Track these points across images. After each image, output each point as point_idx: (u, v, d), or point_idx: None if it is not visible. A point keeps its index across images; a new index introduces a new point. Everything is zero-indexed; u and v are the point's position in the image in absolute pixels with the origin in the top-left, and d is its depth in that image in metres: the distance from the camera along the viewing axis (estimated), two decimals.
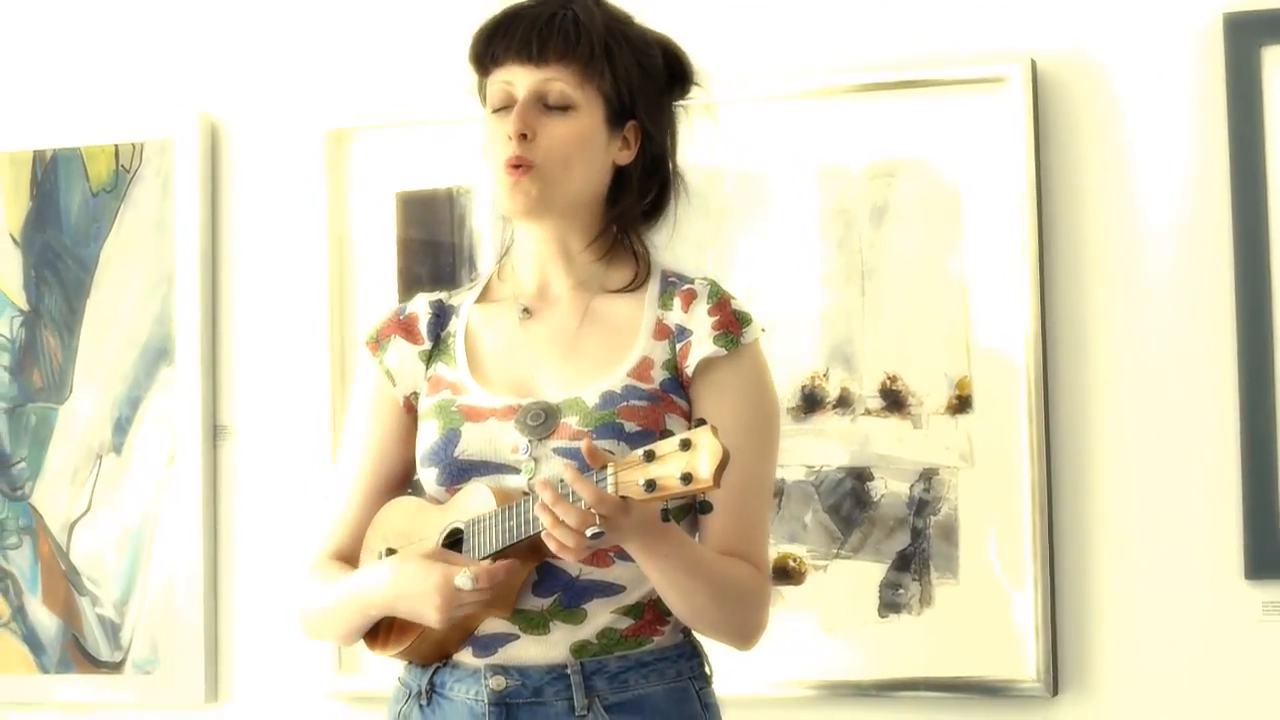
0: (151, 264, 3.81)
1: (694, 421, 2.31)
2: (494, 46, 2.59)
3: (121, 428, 3.82)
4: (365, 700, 3.65)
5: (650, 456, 2.26)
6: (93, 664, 3.81)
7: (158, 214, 3.81)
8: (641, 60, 2.60)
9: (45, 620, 3.84)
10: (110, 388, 3.83)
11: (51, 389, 3.86)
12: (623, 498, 2.29)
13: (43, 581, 3.85)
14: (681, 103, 2.69)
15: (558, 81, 2.56)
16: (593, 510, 2.29)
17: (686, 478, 2.23)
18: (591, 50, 2.55)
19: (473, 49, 2.62)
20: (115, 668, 3.80)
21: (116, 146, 3.85)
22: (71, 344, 3.85)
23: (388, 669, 3.46)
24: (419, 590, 2.46)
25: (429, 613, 2.46)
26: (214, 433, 3.79)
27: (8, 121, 3.93)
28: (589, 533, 2.31)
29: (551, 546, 2.35)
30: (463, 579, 2.41)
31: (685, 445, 2.24)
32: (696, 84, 2.68)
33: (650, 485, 2.25)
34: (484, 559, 2.46)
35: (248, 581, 3.77)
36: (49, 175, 3.88)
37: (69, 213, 3.87)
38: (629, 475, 2.28)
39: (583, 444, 2.35)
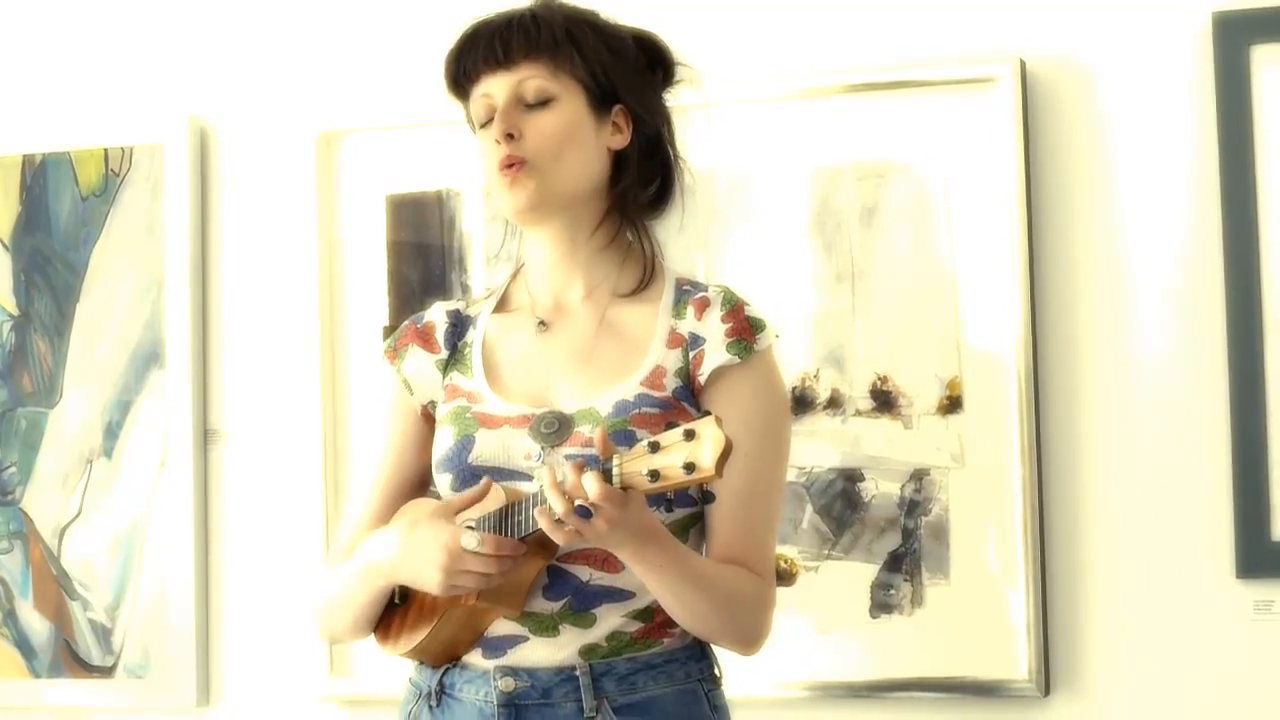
0: (141, 268, 3.81)
1: (700, 413, 2.32)
2: (464, 63, 2.63)
3: (112, 432, 3.81)
4: (357, 703, 3.65)
5: (655, 447, 2.28)
6: (84, 668, 3.80)
7: (147, 218, 3.81)
8: (610, 43, 2.63)
9: (36, 625, 3.84)
10: (100, 392, 3.82)
11: (41, 393, 3.86)
12: (623, 489, 2.31)
13: (34, 586, 3.84)
14: (673, 90, 2.70)
15: (532, 78, 2.58)
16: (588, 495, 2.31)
17: (689, 467, 2.24)
18: (555, 39, 2.58)
19: (446, 73, 2.66)
20: (107, 672, 3.79)
21: (106, 150, 3.84)
22: (61, 348, 3.85)
23: (379, 672, 3.47)
24: (425, 549, 2.46)
25: (431, 571, 2.45)
26: (204, 437, 3.78)
27: None
28: (576, 503, 2.32)
29: (543, 524, 2.35)
30: (469, 539, 2.42)
31: (689, 435, 2.26)
32: (681, 64, 2.70)
33: (654, 475, 2.27)
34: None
35: (239, 585, 3.77)
36: (38, 180, 3.87)
37: (58, 217, 3.87)
38: (633, 466, 2.29)
39: (597, 432, 2.36)
